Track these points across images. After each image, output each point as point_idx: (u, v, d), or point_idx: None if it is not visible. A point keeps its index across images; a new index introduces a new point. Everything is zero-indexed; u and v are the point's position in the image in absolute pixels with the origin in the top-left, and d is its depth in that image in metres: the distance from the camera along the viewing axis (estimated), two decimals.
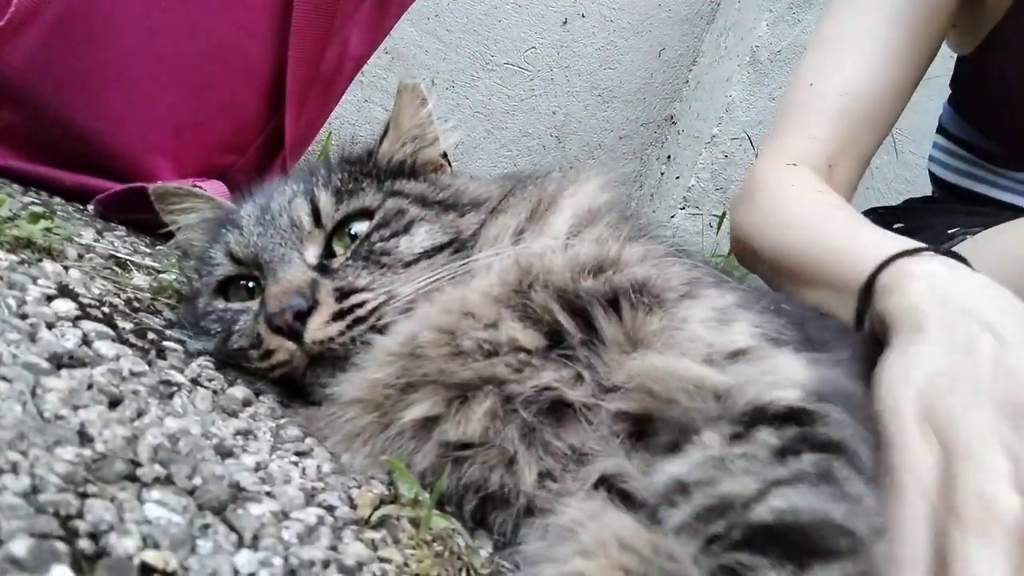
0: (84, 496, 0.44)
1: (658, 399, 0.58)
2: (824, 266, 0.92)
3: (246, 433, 0.63)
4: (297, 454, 0.63)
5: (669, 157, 2.72)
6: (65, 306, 0.70)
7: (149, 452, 0.52)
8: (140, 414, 0.57)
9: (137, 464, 0.50)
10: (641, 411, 0.59)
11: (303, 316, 0.68)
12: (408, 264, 0.72)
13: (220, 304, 0.77)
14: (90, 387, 0.57)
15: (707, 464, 0.53)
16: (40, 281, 0.73)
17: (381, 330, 0.68)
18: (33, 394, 0.53)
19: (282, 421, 0.68)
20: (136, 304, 0.81)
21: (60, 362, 0.59)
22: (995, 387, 0.64)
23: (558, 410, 0.61)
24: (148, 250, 1.04)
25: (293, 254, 0.73)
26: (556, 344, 0.64)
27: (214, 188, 1.07)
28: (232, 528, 0.48)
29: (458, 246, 0.74)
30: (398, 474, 0.59)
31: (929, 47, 1.21)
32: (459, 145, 2.73)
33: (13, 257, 0.77)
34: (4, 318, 0.62)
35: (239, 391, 0.70)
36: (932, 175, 1.61)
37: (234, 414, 0.65)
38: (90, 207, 1.08)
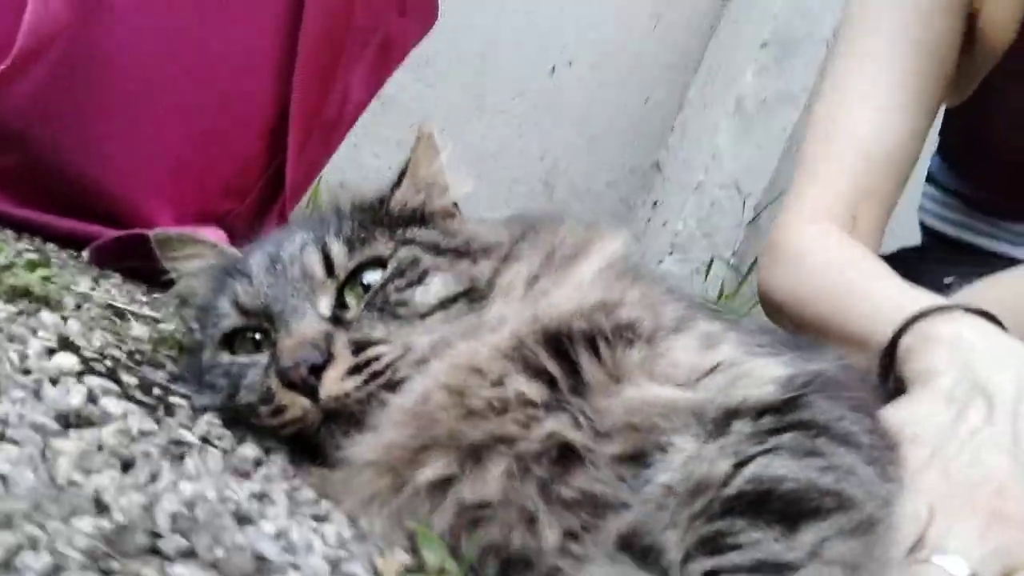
0: (108, 574, 0.41)
1: (641, 431, 0.58)
2: (845, 325, 0.92)
3: (261, 496, 0.60)
4: (315, 518, 0.60)
5: (656, 203, 2.73)
6: (68, 360, 0.67)
7: (168, 521, 0.49)
8: (154, 478, 0.54)
9: (157, 535, 0.47)
10: (632, 450, 0.58)
11: (318, 370, 0.65)
12: (424, 315, 0.70)
13: (226, 358, 0.74)
14: (100, 449, 0.54)
15: (685, 464, 0.54)
16: (40, 333, 0.71)
17: (396, 384, 0.66)
18: (44, 458, 0.50)
19: (296, 482, 0.65)
20: (138, 357, 0.78)
21: (68, 422, 0.56)
22: (956, 460, 0.65)
23: (564, 456, 0.60)
24: (145, 298, 1.01)
25: (306, 305, 0.71)
26: (555, 390, 0.63)
27: (214, 234, 1.04)
28: None
29: (474, 295, 0.72)
30: (423, 540, 0.57)
31: (936, 90, 1.22)
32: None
33: (11, 307, 0.75)
34: (7, 374, 0.59)
35: (250, 450, 0.67)
36: (922, 225, 1.62)
37: (247, 475, 0.62)
38: (85, 254, 1.05)
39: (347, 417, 0.65)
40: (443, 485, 0.60)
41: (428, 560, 0.57)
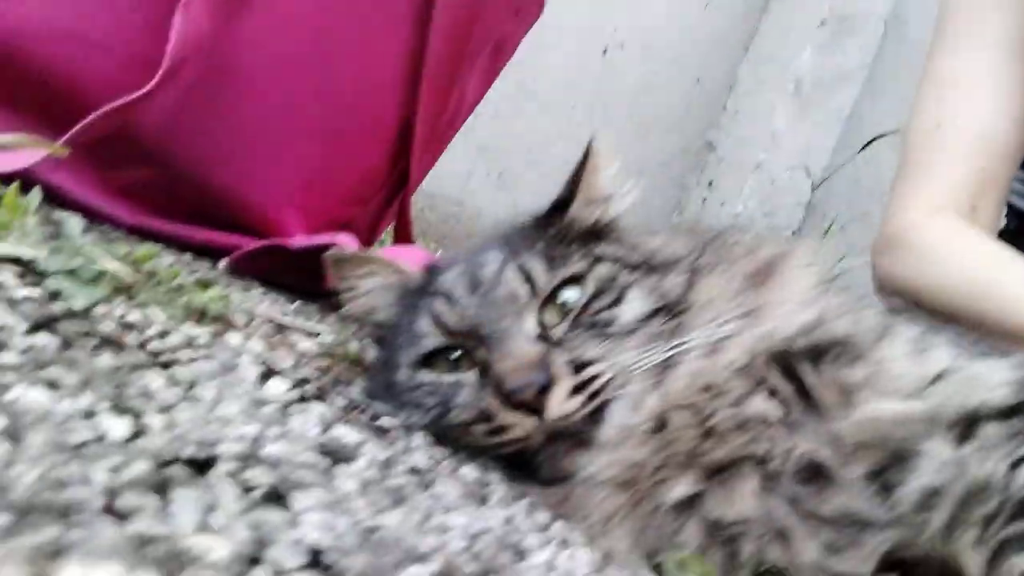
0: None
1: (880, 446, 0.59)
2: (999, 319, 0.93)
3: (510, 521, 0.59)
4: (562, 543, 0.60)
5: (710, 183, 2.72)
6: (282, 386, 0.67)
7: (472, 564, 0.49)
8: (428, 515, 0.54)
9: None
10: (876, 466, 0.59)
11: (543, 391, 0.65)
12: (630, 332, 0.70)
13: (429, 377, 0.74)
14: (367, 486, 0.54)
15: (946, 466, 0.54)
16: (243, 358, 0.70)
17: (609, 403, 0.66)
18: (338, 502, 0.49)
19: (524, 504, 0.65)
20: (330, 376, 0.78)
21: (331, 458, 0.56)
22: None
23: (815, 475, 0.60)
24: (292, 307, 1.00)
25: (516, 326, 0.70)
26: (789, 409, 0.63)
27: (350, 241, 1.04)
28: None
29: (669, 310, 0.72)
30: (693, 565, 0.56)
31: None
32: (501, 175, 2.72)
33: (200, 329, 0.74)
34: (252, 410, 0.59)
35: (471, 471, 0.67)
36: (1010, 207, 1.62)
37: (484, 500, 0.62)
38: (221, 264, 1.05)
39: (569, 436, 0.66)
40: (689, 503, 0.61)
41: None
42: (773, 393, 0.63)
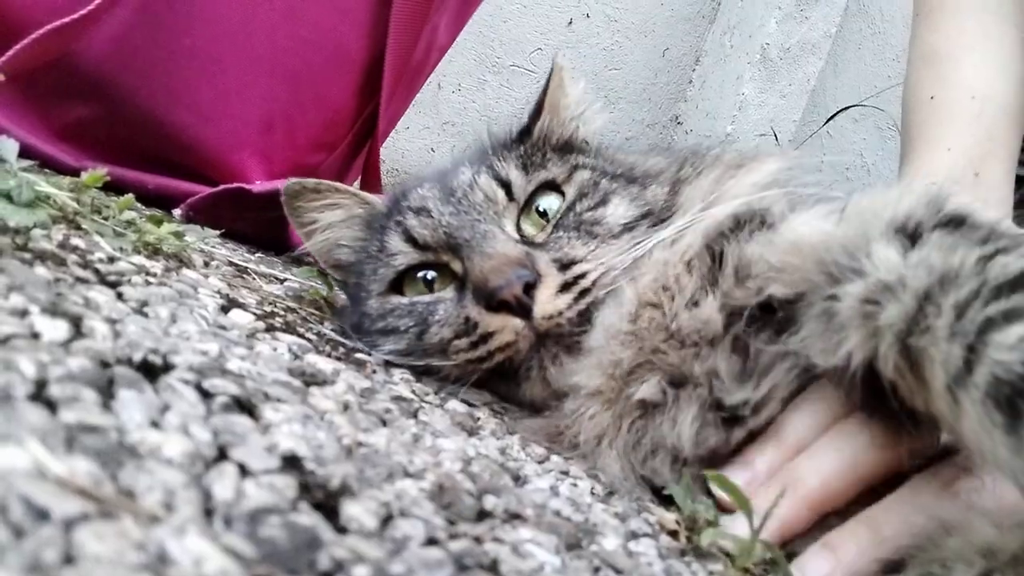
0: (479, 541, 0.35)
1: (803, 271, 0.53)
2: None
3: (505, 451, 0.54)
4: (563, 473, 0.54)
5: None
6: (244, 317, 0.60)
7: (469, 483, 0.43)
8: (417, 438, 0.48)
9: (473, 496, 0.41)
10: (792, 294, 0.54)
11: (529, 289, 0.60)
12: (616, 235, 0.66)
13: (403, 300, 0.68)
14: (348, 408, 0.48)
15: (905, 264, 0.48)
16: (202, 291, 0.63)
17: (599, 304, 0.62)
18: (321, 418, 0.43)
19: (516, 438, 0.59)
20: (298, 314, 0.71)
21: (305, 380, 0.50)
22: None
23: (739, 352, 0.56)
24: (254, 257, 0.93)
25: (495, 229, 0.66)
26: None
27: None
28: (617, 570, 0.39)
29: (652, 218, 0.68)
30: (724, 491, 0.51)
31: None
32: (468, 149, 2.65)
33: (156, 264, 0.67)
34: (212, 331, 0.52)
35: (457, 404, 0.61)
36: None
37: (476, 432, 0.56)
38: (176, 212, 0.97)
39: (557, 339, 0.60)
40: (651, 411, 0.56)
41: (705, 515, 0.51)
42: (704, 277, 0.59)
